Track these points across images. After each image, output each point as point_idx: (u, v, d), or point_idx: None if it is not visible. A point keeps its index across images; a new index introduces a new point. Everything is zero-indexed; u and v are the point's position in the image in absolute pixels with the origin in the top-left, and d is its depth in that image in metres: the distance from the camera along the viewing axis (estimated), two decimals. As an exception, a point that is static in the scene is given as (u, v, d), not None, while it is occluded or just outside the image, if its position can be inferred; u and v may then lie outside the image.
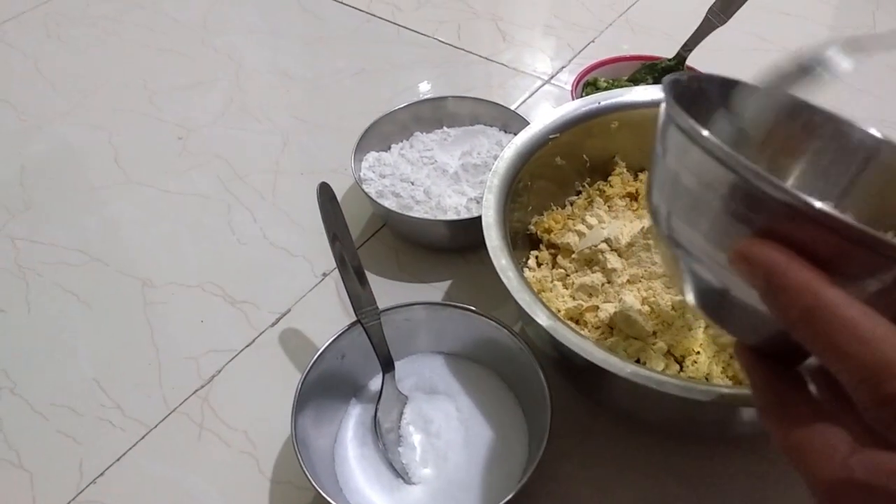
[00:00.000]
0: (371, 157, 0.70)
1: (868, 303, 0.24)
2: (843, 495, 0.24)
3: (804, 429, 0.26)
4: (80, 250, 0.68)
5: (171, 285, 0.65)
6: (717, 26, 0.71)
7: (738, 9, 0.70)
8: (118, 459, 0.53)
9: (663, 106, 0.31)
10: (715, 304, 0.32)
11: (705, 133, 0.27)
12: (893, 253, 0.24)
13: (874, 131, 0.38)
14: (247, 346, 0.60)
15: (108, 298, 0.64)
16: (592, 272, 0.55)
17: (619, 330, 0.51)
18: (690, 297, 0.33)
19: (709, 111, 0.36)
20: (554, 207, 0.61)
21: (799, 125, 0.39)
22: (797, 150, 0.39)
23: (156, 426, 0.55)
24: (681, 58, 0.74)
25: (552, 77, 0.87)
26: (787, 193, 0.25)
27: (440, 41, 0.93)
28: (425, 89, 0.86)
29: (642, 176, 0.63)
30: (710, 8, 0.71)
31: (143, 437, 0.54)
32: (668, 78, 0.33)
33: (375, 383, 0.54)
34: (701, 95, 0.36)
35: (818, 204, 0.24)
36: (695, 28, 0.72)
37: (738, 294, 0.29)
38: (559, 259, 0.58)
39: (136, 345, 0.60)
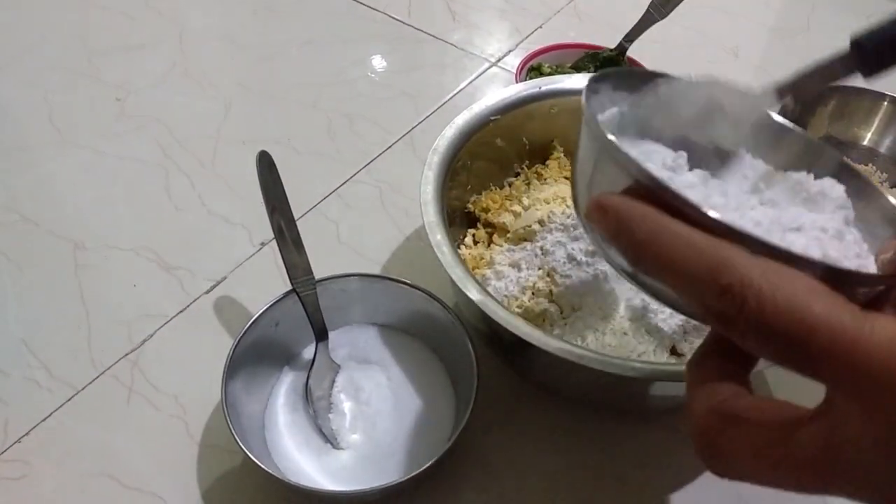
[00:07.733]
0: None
1: None
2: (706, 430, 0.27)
3: (702, 374, 0.29)
4: (10, 209, 0.67)
5: (104, 248, 0.64)
6: (658, 20, 0.74)
7: (677, 4, 0.72)
8: (44, 420, 0.53)
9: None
10: (634, 280, 0.34)
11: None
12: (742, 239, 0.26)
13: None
14: (180, 311, 0.60)
15: (38, 259, 0.63)
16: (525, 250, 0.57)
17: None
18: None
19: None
20: (493, 187, 0.63)
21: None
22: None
23: (84, 388, 0.55)
24: (622, 49, 0.76)
25: (499, 60, 0.88)
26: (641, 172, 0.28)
27: (390, 17, 0.93)
28: (373, 65, 0.86)
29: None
30: (652, 1, 0.73)
31: (70, 399, 0.54)
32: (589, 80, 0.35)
33: (309, 352, 0.54)
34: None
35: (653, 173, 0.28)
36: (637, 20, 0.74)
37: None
38: (495, 238, 0.60)
39: (67, 307, 0.60)
